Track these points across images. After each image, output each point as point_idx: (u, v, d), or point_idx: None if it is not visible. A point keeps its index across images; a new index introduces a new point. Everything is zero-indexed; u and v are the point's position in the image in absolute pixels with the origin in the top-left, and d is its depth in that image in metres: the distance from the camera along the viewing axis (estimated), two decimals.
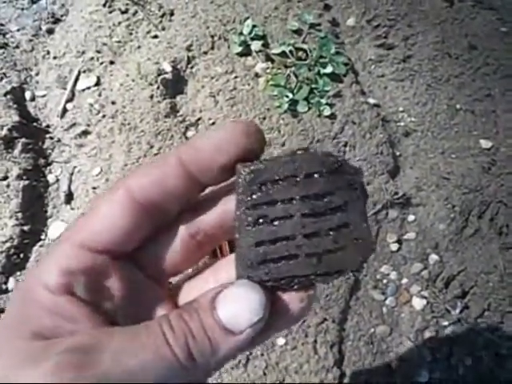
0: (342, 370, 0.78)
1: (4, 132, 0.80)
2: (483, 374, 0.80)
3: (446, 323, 0.83)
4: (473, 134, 0.93)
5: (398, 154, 0.92)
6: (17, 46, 0.90)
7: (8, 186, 0.78)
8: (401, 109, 0.95)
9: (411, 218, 0.88)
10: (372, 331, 0.82)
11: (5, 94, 0.84)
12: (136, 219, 0.26)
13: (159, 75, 0.86)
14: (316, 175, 0.24)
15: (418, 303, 0.83)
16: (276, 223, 0.24)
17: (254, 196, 0.24)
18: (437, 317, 0.83)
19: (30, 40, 0.91)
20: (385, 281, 0.85)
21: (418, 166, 0.92)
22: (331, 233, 0.24)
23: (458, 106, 0.94)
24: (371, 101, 0.93)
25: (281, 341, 0.78)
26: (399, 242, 0.87)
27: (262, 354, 0.77)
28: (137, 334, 0.24)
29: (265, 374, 0.76)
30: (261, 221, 0.24)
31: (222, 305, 0.24)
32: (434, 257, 0.86)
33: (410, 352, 0.81)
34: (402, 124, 0.94)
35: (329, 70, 0.90)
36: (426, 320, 0.83)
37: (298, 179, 0.24)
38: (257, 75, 0.90)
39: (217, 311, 0.24)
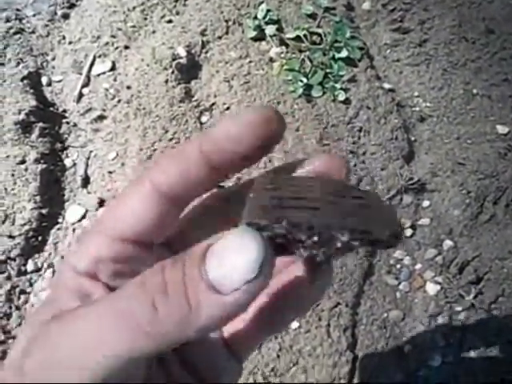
0: (354, 353, 0.79)
1: (21, 117, 0.81)
2: (496, 360, 0.80)
3: (459, 309, 0.83)
4: (489, 119, 0.92)
5: (413, 139, 0.92)
6: (33, 32, 0.91)
7: (26, 169, 0.80)
8: (416, 94, 0.94)
9: (426, 203, 0.88)
10: (385, 316, 0.82)
11: (22, 79, 0.85)
12: (164, 211, 0.26)
13: (174, 60, 0.86)
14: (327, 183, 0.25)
15: (431, 288, 0.83)
16: (297, 188, 0.23)
17: (273, 182, 0.24)
18: (450, 302, 0.83)
19: (46, 25, 0.91)
20: (398, 266, 0.85)
21: (434, 152, 0.91)
22: (355, 202, 0.23)
23: (474, 91, 0.93)
24: (386, 85, 0.92)
25: (294, 324, 0.78)
26: (413, 227, 0.86)
27: (276, 337, 0.78)
28: (104, 297, 0.22)
29: (278, 356, 0.77)
30: (281, 186, 0.23)
31: (213, 257, 0.20)
32: (448, 242, 0.86)
33: (422, 337, 0.81)
34: (418, 109, 0.93)
35: (343, 54, 0.89)
36: (439, 305, 0.83)
37: (314, 184, 0.24)
38: (271, 60, 0.89)
39: (205, 264, 0.20)
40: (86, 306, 0.21)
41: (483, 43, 0.95)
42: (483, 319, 0.82)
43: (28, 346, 0.22)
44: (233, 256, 0.19)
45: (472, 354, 0.81)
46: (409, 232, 0.86)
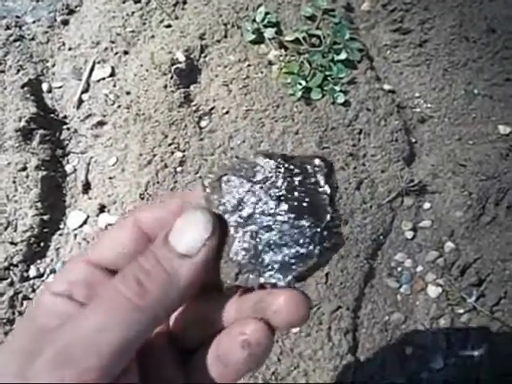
0: (356, 356, 0.79)
1: (22, 124, 0.82)
2: (498, 362, 0.80)
3: (461, 311, 0.82)
4: (491, 119, 0.91)
5: (413, 140, 0.91)
6: (33, 38, 0.91)
7: (27, 176, 0.80)
8: (417, 94, 0.93)
9: (427, 205, 0.87)
10: (386, 319, 0.82)
11: (22, 86, 0.86)
12: (140, 244, 0.29)
13: (173, 65, 0.86)
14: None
15: (433, 291, 0.83)
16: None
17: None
18: (452, 305, 0.82)
19: (46, 32, 0.92)
20: (399, 268, 0.85)
21: (434, 153, 0.91)
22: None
23: (475, 91, 0.93)
24: (386, 87, 0.92)
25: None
26: (414, 229, 0.86)
27: (277, 341, 0.78)
28: (96, 301, 0.25)
29: (279, 359, 0.77)
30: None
31: (174, 235, 0.25)
32: (449, 244, 0.85)
33: (424, 339, 0.81)
34: (418, 110, 0.93)
35: (343, 56, 0.89)
36: (440, 308, 0.82)
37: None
38: (270, 63, 0.89)
39: (170, 242, 0.25)
40: (88, 305, 0.25)
41: (485, 42, 0.94)
42: (485, 321, 0.82)
43: (34, 347, 0.24)
44: (190, 229, 0.25)
45: (474, 356, 0.80)
46: (410, 234, 0.86)
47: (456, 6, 0.96)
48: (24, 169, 0.81)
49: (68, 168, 0.85)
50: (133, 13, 0.93)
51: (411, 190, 0.87)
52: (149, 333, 0.25)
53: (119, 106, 0.87)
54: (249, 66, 0.88)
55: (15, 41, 0.89)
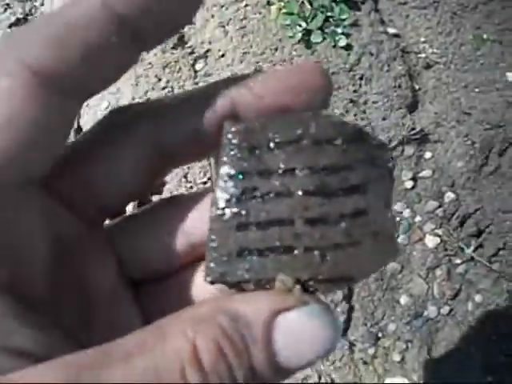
0: (350, 304, 0.79)
1: None
2: (493, 313, 0.79)
3: (458, 261, 0.81)
4: (499, 66, 0.88)
5: (417, 87, 0.88)
6: None
7: None
8: (422, 39, 0.89)
9: (428, 154, 0.85)
10: (382, 268, 0.81)
11: (9, 26, 0.82)
12: (40, 104, 0.15)
13: None
14: (328, 144, 0.18)
15: (430, 241, 0.82)
16: (268, 200, 0.18)
17: (242, 163, 0.18)
18: (449, 255, 0.82)
19: None
20: (398, 219, 0.83)
21: (438, 101, 0.87)
22: (343, 221, 0.18)
23: (484, 36, 0.88)
24: (391, 30, 0.88)
25: None
26: (414, 179, 0.84)
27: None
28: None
29: None
30: (248, 195, 0.18)
31: (281, 335, 0.17)
32: (450, 195, 0.83)
33: (419, 288, 0.81)
34: (423, 56, 0.89)
35: None
36: (438, 258, 0.81)
37: (303, 145, 0.18)
38: (268, 3, 0.85)
39: (273, 345, 0.17)
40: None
41: None
42: (482, 272, 0.81)
43: None
44: (305, 337, 0.17)
45: (468, 304, 0.80)
46: (409, 184, 0.84)
47: None
48: None
49: None
50: None
51: (412, 138, 0.84)
52: None
53: None
54: (246, 5, 0.84)
55: None
